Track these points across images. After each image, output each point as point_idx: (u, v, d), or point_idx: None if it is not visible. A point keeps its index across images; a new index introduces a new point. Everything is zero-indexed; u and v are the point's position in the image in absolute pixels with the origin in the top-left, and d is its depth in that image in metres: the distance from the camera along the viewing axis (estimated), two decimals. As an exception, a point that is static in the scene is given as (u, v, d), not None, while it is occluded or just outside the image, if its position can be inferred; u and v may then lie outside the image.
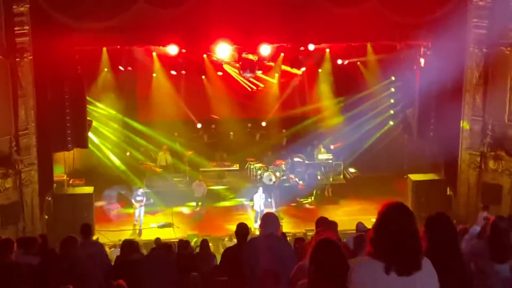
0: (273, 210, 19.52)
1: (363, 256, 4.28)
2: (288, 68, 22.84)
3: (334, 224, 9.76)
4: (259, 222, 7.90)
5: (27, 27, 16.48)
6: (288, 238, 11.30)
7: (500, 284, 5.71)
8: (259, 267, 7.04)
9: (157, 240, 14.47)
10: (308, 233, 17.07)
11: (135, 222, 19.82)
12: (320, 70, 23.67)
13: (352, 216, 17.67)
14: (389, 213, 4.19)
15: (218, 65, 22.22)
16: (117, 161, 22.43)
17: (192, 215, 20.90)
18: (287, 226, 18.80)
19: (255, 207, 19.89)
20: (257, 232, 8.08)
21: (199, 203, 21.00)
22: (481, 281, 5.59)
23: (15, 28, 16.27)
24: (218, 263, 11.76)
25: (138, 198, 19.75)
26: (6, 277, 8.10)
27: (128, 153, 22.84)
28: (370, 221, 14.27)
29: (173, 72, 22.08)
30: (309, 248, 5.14)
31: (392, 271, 4.07)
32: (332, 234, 6.53)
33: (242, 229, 8.26)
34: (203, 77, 22.95)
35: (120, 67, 21.35)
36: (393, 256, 4.08)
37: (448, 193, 19.63)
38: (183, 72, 21.98)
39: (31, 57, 16.68)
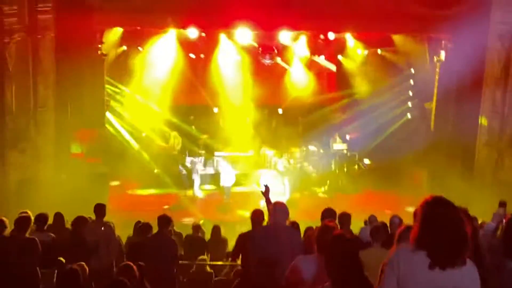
0: (286, 197, 19.52)
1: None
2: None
3: (347, 216, 9.67)
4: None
5: (50, 5, 16.56)
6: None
7: (512, 281, 5.70)
8: (264, 255, 7.11)
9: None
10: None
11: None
12: (340, 59, 23.62)
13: (365, 207, 17.62)
14: (433, 205, 4.19)
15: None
16: (133, 143, 22.48)
17: (207, 200, 20.99)
18: (300, 215, 18.74)
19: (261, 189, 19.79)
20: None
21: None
22: (495, 277, 5.58)
23: (38, 5, 16.35)
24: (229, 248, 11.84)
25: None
26: (25, 252, 8.21)
27: (144, 134, 22.89)
28: (383, 213, 14.33)
29: (192, 55, 22.19)
30: (312, 238, 5.14)
31: (436, 265, 4.07)
32: (333, 223, 6.47)
33: (257, 215, 8.25)
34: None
35: (139, 48, 21.39)
36: (438, 248, 4.07)
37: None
38: (202, 55, 22.04)
39: (53, 35, 16.79)
